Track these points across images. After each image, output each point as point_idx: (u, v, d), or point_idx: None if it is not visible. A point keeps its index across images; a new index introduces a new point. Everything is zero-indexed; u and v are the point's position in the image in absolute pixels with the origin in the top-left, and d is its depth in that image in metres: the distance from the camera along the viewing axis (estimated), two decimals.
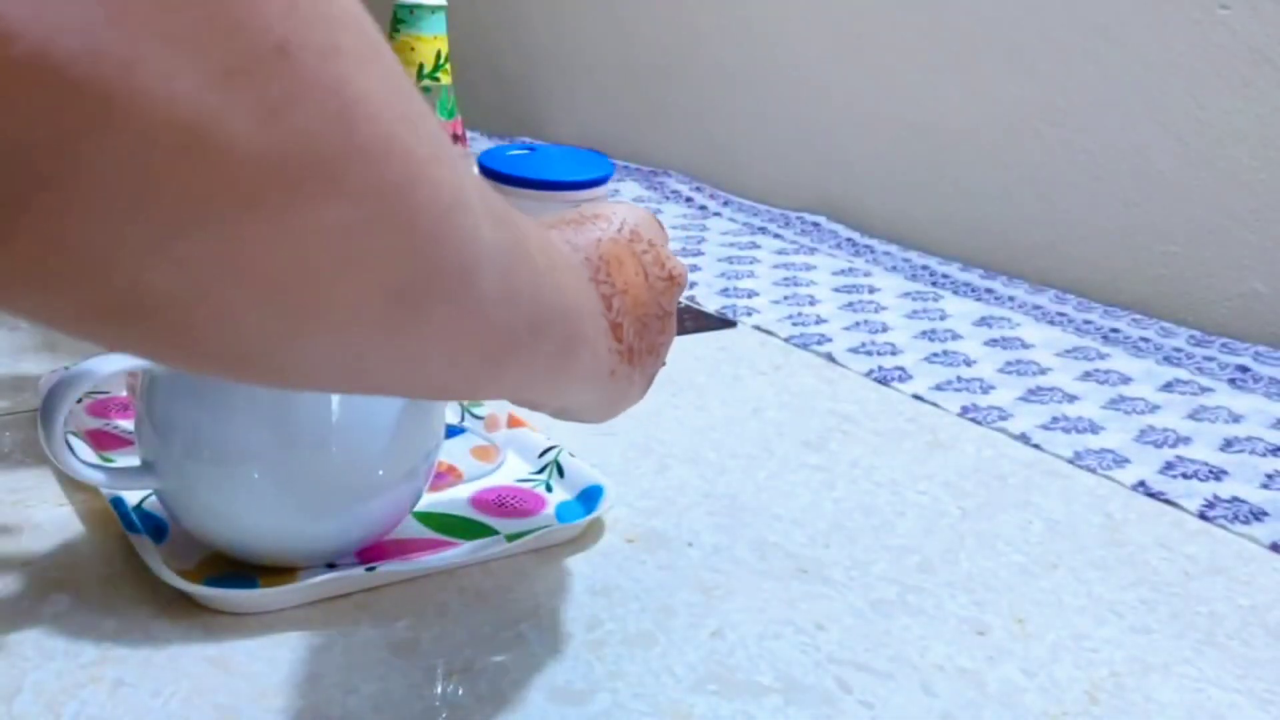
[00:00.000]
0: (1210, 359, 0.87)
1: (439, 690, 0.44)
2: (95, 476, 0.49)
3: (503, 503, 0.58)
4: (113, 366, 0.47)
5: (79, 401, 0.63)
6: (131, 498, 0.53)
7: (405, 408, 0.49)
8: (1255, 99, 0.98)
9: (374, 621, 0.48)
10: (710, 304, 0.96)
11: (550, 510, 0.58)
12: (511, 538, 0.53)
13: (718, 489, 0.62)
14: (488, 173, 0.66)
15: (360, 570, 0.49)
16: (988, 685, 0.47)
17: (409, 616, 0.49)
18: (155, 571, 0.47)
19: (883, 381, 0.80)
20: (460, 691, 0.44)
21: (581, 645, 0.47)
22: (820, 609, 0.51)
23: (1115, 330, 0.94)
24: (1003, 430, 0.73)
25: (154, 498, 0.53)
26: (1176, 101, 1.03)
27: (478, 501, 0.58)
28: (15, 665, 0.44)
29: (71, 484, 0.58)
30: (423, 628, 0.48)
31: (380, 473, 0.49)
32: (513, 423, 0.63)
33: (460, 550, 0.52)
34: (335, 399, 0.47)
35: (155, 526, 0.52)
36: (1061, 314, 0.97)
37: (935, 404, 0.77)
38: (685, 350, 0.85)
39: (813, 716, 0.44)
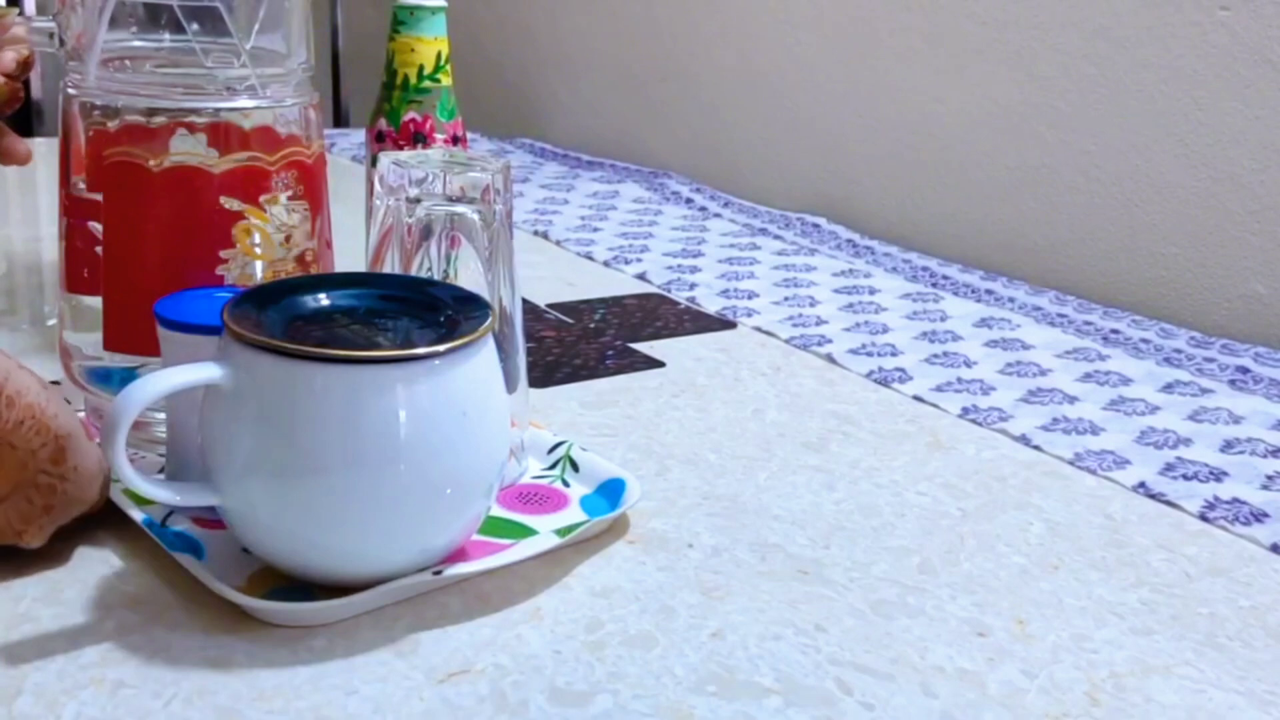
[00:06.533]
0: (1210, 360, 0.87)
1: (439, 690, 0.44)
2: (158, 493, 0.48)
3: (527, 499, 0.58)
4: (169, 383, 0.46)
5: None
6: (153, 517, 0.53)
7: (475, 423, 0.48)
8: (1255, 100, 0.98)
9: (374, 621, 0.48)
10: (710, 305, 0.96)
11: (575, 505, 0.58)
12: (561, 533, 0.53)
13: (718, 490, 0.62)
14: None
15: (426, 575, 0.49)
16: (988, 686, 0.47)
17: (409, 616, 0.49)
18: (214, 589, 0.47)
19: (883, 383, 0.80)
20: (460, 691, 0.44)
21: (581, 646, 0.48)
22: (820, 610, 0.51)
23: (1115, 331, 0.94)
24: (1003, 431, 0.73)
25: (180, 519, 0.53)
26: (1176, 102, 1.03)
27: (504, 501, 0.58)
28: (16, 667, 0.44)
29: None
30: (422, 628, 0.48)
31: (449, 490, 0.47)
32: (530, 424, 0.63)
33: (517, 549, 0.52)
34: (402, 414, 0.45)
35: (191, 547, 0.52)
36: (1062, 315, 0.97)
37: (935, 405, 0.77)
38: (685, 351, 0.85)
39: (813, 717, 0.44)
